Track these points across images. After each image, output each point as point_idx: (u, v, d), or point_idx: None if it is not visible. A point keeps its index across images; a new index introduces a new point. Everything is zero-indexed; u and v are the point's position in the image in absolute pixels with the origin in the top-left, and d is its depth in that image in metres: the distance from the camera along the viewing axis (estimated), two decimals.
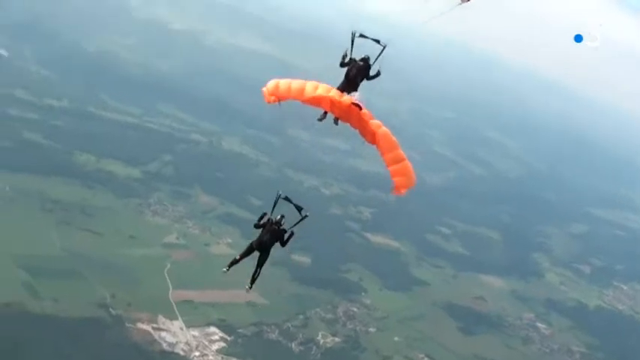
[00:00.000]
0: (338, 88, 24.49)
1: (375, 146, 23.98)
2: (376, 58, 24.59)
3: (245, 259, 25.26)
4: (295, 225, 24.61)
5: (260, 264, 25.50)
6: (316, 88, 23.85)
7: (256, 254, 25.37)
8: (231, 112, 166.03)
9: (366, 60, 24.73)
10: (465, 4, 25.54)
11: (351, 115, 23.77)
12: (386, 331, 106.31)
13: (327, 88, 23.93)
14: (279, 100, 24.23)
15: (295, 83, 24.17)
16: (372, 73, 24.98)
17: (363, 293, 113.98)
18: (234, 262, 25.36)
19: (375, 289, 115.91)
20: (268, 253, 25.35)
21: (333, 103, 23.69)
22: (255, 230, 24.79)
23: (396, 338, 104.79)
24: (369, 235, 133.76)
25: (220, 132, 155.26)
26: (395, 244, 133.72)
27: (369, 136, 23.82)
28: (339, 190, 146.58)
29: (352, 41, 24.47)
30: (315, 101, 23.97)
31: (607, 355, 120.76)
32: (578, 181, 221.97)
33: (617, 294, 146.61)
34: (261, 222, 25.04)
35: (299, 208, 24.58)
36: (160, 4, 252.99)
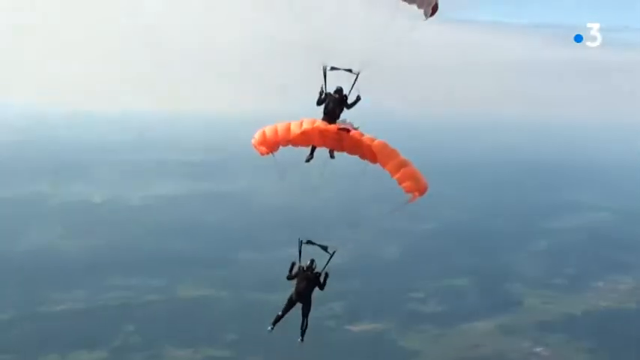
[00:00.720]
0: None
1: (378, 165, 23.42)
2: (351, 87, 24.28)
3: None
4: (327, 264, 24.76)
5: (305, 314, 25.24)
6: (301, 124, 23.23)
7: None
8: (176, 261, 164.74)
9: (339, 91, 24.44)
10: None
11: (342, 142, 23.31)
12: None
13: (311, 121, 23.42)
14: (271, 152, 23.46)
15: (280, 126, 23.44)
16: (349, 101, 24.57)
17: None
18: (278, 319, 25.25)
19: None
20: (310, 302, 25.14)
21: (321, 133, 23.19)
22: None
23: None
24: (349, 327, 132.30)
25: (172, 283, 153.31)
26: (377, 325, 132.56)
27: (368, 154, 23.24)
28: None
29: (324, 76, 24.11)
30: (305, 137, 23.28)
31: (611, 352, 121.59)
32: (521, 202, 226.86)
33: (597, 293, 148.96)
34: (293, 272, 25.02)
35: (324, 248, 24.59)
36: (73, 182, 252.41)
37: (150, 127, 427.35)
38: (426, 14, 24.51)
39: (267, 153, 23.48)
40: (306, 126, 23.22)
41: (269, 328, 25.41)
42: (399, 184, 23.40)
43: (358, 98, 24.57)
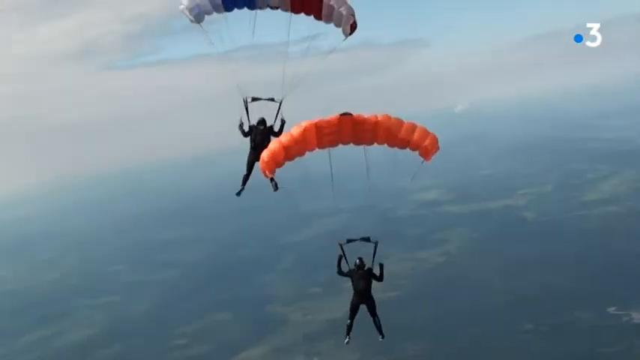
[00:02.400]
0: (250, 158, 23.71)
1: (388, 145, 22.28)
2: (276, 116, 23.66)
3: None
4: (375, 256, 24.19)
5: (373, 313, 25.09)
6: (297, 130, 21.70)
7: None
8: None
9: (263, 122, 23.81)
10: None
11: (345, 130, 21.70)
12: None
13: (302, 126, 21.77)
14: (272, 175, 22.29)
15: (280, 139, 22.15)
16: (276, 129, 23.78)
17: None
18: (349, 328, 25.32)
19: None
20: (373, 299, 24.81)
21: (319, 129, 21.44)
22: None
23: None
24: None
25: None
26: None
27: (369, 135, 21.90)
28: None
29: (246, 108, 23.25)
30: (301, 141, 21.62)
31: (380, 343, 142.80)
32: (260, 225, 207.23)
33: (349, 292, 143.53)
34: (345, 271, 24.78)
35: (367, 239, 24.01)
36: None
37: None
38: (344, 33, 23.67)
39: (271, 173, 22.19)
40: (303, 128, 21.64)
41: (346, 340, 25.41)
42: (417, 150, 22.40)
43: (283, 122, 23.80)
